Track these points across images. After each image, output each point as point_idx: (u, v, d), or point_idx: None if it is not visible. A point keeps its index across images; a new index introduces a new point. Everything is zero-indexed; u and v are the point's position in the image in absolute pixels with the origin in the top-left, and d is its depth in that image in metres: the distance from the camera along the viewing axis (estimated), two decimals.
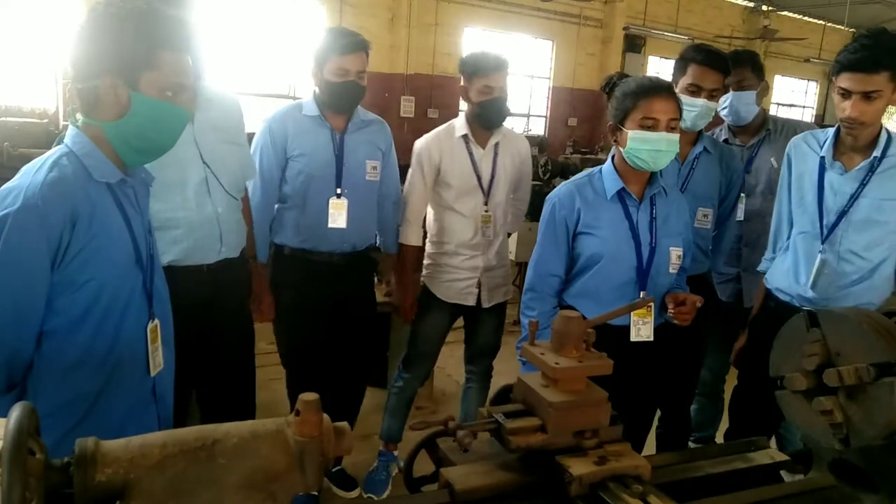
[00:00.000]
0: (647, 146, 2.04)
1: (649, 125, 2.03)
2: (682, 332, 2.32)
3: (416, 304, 2.99)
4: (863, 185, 2.24)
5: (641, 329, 2.13)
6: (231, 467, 0.90)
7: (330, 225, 2.68)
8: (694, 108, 2.58)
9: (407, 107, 10.83)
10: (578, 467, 1.17)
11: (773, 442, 1.84)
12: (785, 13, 15.21)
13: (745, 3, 15.18)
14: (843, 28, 15.26)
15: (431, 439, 1.37)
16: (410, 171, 2.94)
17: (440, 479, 1.26)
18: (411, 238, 2.96)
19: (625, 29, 13.26)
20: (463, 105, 2.93)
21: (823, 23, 15.75)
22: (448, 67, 11.26)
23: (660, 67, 13.66)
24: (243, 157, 2.45)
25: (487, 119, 2.81)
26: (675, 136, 2.06)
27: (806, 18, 14.77)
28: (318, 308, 2.77)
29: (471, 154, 2.86)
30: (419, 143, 2.92)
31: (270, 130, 2.69)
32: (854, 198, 2.25)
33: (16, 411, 0.81)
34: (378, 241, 3.03)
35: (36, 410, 0.85)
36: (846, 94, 2.12)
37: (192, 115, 2.21)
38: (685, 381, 2.78)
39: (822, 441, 1.34)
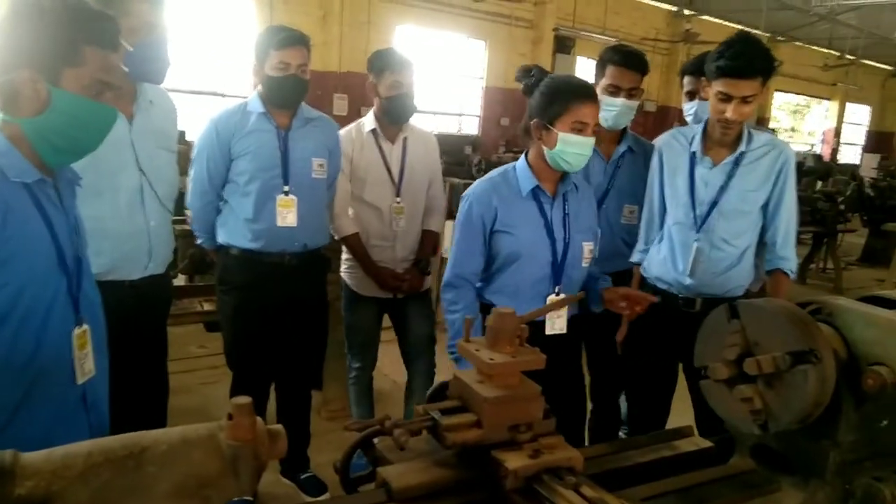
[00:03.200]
0: (576, 149, 2.09)
1: (580, 129, 2.07)
2: (593, 323, 2.40)
3: (396, 278, 3.02)
4: (729, 177, 2.41)
5: (556, 322, 2.19)
6: (161, 475, 0.87)
7: (279, 224, 2.65)
8: (614, 108, 2.68)
9: (340, 105, 10.73)
10: (513, 461, 1.19)
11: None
12: (706, 17, 15.79)
13: (668, 7, 15.68)
14: (759, 32, 15.96)
15: (368, 439, 1.37)
16: None
17: (377, 478, 1.25)
18: (348, 228, 3.00)
19: (555, 30, 13.49)
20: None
21: (741, 27, 16.43)
22: None
23: (589, 68, 13.96)
24: (176, 167, 2.38)
25: (395, 114, 2.91)
26: (592, 141, 2.13)
27: (725, 23, 15.37)
28: (269, 309, 2.73)
29: (380, 148, 2.96)
30: None
31: (217, 130, 2.65)
32: (723, 189, 2.41)
33: None
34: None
35: None
36: (727, 98, 2.25)
37: (131, 117, 2.13)
38: (610, 372, 2.87)
39: (742, 427, 1.40)
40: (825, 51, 18.37)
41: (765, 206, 2.45)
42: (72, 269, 1.51)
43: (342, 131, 3.00)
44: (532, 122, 2.16)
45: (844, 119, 22.17)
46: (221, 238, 2.74)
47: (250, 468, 0.92)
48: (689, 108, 3.04)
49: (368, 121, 2.98)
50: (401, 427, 1.23)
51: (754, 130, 2.48)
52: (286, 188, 2.65)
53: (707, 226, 2.44)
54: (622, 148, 2.80)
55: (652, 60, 2.90)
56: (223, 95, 10.07)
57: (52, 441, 0.94)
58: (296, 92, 2.65)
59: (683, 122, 3.14)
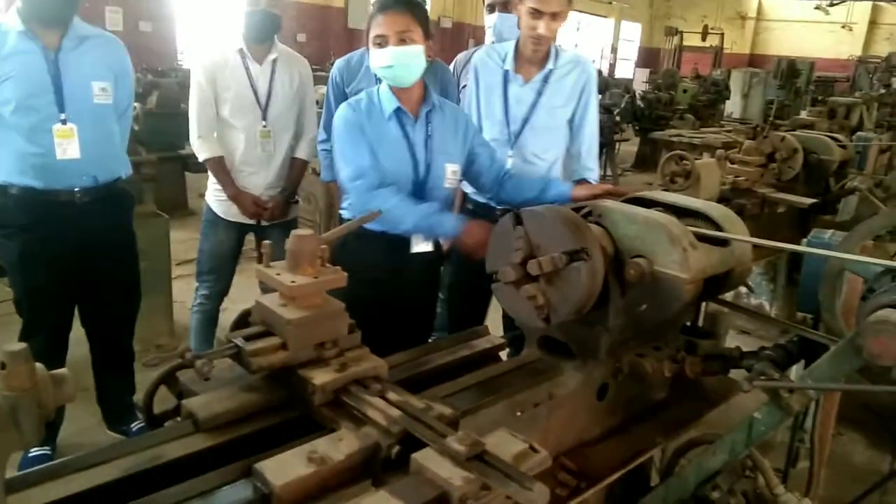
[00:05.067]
0: (382, 63, 2.06)
1: (379, 42, 2.05)
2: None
3: (257, 204, 2.96)
4: (539, 94, 2.55)
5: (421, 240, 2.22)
6: None
7: (60, 157, 2.39)
8: None
9: (114, 18, 9.63)
10: (320, 377, 1.22)
11: None
12: None
13: None
14: None
15: (171, 374, 1.33)
16: (192, 86, 2.92)
17: (182, 410, 1.23)
18: (207, 151, 2.92)
19: None
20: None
21: None
22: None
23: None
24: None
25: (255, 31, 2.86)
26: (408, 49, 2.04)
27: None
28: (62, 252, 2.47)
29: (247, 69, 2.88)
30: (197, 59, 2.98)
31: None
32: (533, 106, 2.55)
33: None
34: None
35: None
36: (537, 14, 2.35)
37: None
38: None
39: (529, 322, 1.55)
40: None
41: (570, 121, 2.60)
42: None
43: (207, 49, 2.93)
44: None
45: (620, 36, 24.00)
46: None
47: (33, 418, 0.86)
48: (489, 21, 3.11)
49: (236, 40, 2.89)
50: (203, 358, 1.20)
51: (559, 49, 2.58)
52: (63, 116, 2.38)
53: (519, 142, 2.56)
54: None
55: None
56: None
57: None
58: (63, 6, 2.34)
59: (480, 39, 3.23)
